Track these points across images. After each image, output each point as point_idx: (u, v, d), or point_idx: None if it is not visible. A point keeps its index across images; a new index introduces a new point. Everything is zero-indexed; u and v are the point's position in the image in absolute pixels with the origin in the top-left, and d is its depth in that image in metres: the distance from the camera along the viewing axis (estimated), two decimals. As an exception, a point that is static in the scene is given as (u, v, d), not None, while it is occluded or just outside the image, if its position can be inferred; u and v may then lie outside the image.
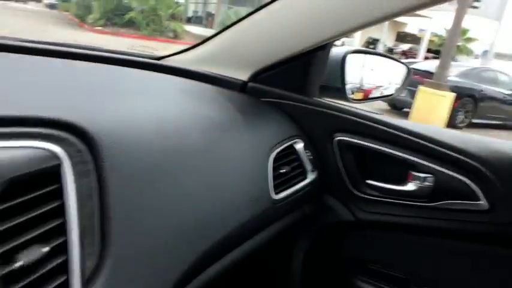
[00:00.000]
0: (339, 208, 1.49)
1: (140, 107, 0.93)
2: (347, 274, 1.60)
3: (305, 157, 1.34)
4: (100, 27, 21.46)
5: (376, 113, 1.43)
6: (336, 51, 1.47)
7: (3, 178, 0.55)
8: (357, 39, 30.29)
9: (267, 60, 1.42)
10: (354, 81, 1.56)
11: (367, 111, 1.42)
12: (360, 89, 1.61)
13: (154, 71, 1.34)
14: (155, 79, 1.24)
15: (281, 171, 1.20)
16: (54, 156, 0.63)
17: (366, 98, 1.65)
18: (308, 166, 1.34)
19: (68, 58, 1.10)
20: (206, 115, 1.08)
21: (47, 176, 0.62)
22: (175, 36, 22.73)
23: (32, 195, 0.59)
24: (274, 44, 1.37)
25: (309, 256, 1.58)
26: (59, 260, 0.60)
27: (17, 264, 0.54)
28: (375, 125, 1.35)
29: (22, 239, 0.56)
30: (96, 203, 0.68)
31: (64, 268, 0.60)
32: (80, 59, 1.14)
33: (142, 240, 0.73)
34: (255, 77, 1.47)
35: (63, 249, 0.61)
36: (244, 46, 1.46)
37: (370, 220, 1.46)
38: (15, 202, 0.57)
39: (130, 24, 22.11)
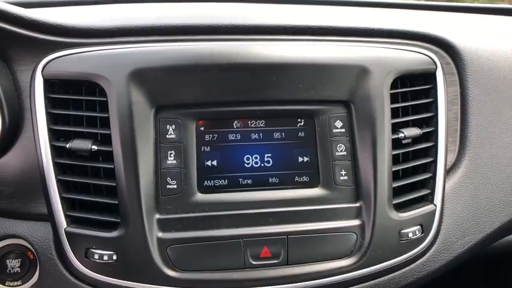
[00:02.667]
0: None
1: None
2: None
3: None
4: None
5: None
6: None
7: (393, 69, 0.69)
8: None
9: None
10: None
11: None
12: None
13: None
14: None
15: None
16: (433, 62, 0.74)
17: None
18: None
19: None
20: None
21: (423, 76, 0.74)
22: None
23: (412, 88, 0.73)
24: None
25: None
26: (429, 144, 0.71)
27: (401, 135, 0.69)
28: None
29: (404, 119, 0.71)
30: (459, 110, 0.76)
31: (431, 152, 0.71)
32: None
33: (492, 155, 0.76)
34: None
35: (431, 136, 0.72)
36: None
37: None
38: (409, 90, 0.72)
39: None
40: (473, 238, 0.73)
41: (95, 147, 0.63)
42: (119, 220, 0.61)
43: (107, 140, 0.63)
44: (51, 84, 0.65)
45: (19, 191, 0.66)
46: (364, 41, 0.74)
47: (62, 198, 0.63)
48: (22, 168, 0.67)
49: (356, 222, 0.65)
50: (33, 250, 0.65)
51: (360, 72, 0.66)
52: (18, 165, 0.67)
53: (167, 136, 0.65)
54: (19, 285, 0.66)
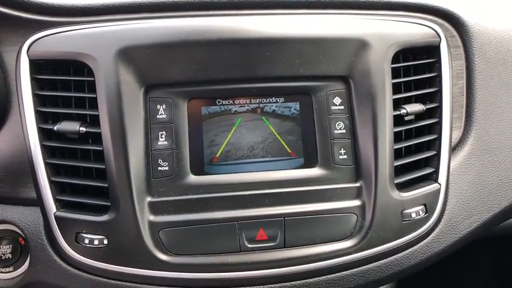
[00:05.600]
0: None
1: None
2: None
3: None
4: None
5: None
6: None
7: (394, 42, 0.66)
8: None
9: None
10: None
11: None
12: None
13: None
14: None
15: None
16: (437, 34, 0.70)
17: None
18: None
19: None
20: None
21: (427, 50, 0.70)
22: None
23: (415, 62, 0.69)
24: None
25: None
26: (433, 120, 0.68)
27: (403, 111, 0.65)
28: None
29: (406, 94, 0.67)
30: (464, 84, 0.72)
31: (436, 129, 0.68)
32: None
33: (500, 131, 0.72)
34: None
35: (435, 113, 0.68)
36: None
37: None
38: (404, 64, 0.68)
39: None
40: (480, 218, 0.70)
41: (83, 129, 0.60)
42: (109, 204, 0.59)
43: (95, 121, 0.61)
44: (37, 65, 0.63)
45: (8, 175, 0.65)
46: (363, 14, 0.70)
47: (51, 182, 0.61)
48: (10, 152, 0.65)
49: (356, 202, 0.63)
50: (23, 236, 0.64)
51: (359, 45, 0.63)
52: (6, 149, 0.65)
53: (158, 116, 0.62)
54: (11, 271, 0.64)
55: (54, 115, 0.63)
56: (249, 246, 0.60)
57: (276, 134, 0.65)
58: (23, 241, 0.64)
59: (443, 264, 1.69)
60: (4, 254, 0.64)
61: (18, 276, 0.64)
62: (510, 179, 0.73)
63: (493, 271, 1.60)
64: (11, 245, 0.64)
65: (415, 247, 0.65)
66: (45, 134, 0.62)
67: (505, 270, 1.55)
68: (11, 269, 0.64)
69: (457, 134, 0.71)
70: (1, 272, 0.64)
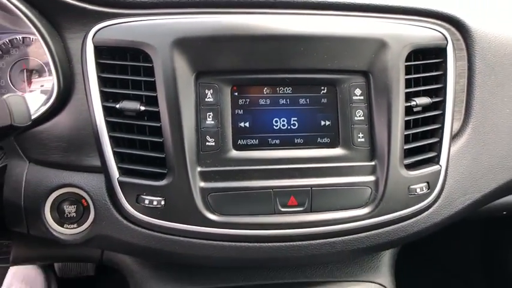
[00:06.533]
0: None
1: None
2: None
3: None
4: None
5: None
6: None
7: (409, 43, 0.77)
8: None
9: None
10: None
11: None
12: None
13: None
14: None
15: None
16: (444, 37, 0.81)
17: None
18: None
19: None
20: None
21: (435, 51, 0.81)
22: None
23: (425, 62, 0.80)
24: None
25: None
26: (437, 112, 0.79)
27: (413, 103, 0.77)
28: None
29: (416, 89, 0.79)
30: (465, 82, 0.84)
31: (439, 120, 0.80)
32: None
33: (494, 124, 0.84)
34: None
35: (440, 106, 0.80)
36: None
37: None
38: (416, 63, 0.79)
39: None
40: (472, 196, 0.83)
41: (142, 108, 0.71)
42: (165, 171, 0.70)
43: (152, 101, 0.71)
44: (99, 51, 0.73)
45: (72, 146, 0.75)
46: (382, 17, 0.81)
47: (114, 153, 0.71)
48: (75, 126, 0.75)
49: (371, 178, 0.74)
50: (87, 197, 0.74)
51: (379, 45, 0.74)
52: (71, 123, 0.75)
53: (206, 99, 0.73)
54: (75, 227, 0.75)
55: (113, 95, 0.73)
56: (282, 210, 0.72)
57: (305, 118, 0.76)
58: (85, 202, 0.75)
59: (433, 248, 1.84)
60: (70, 213, 0.75)
61: (83, 231, 0.75)
62: (499, 165, 0.86)
63: (478, 252, 1.76)
64: (75, 206, 0.75)
65: (418, 217, 0.78)
66: (107, 111, 0.72)
67: (488, 250, 1.71)
68: (75, 225, 0.75)
69: (457, 125, 0.83)
70: (67, 228, 0.75)
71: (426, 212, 0.79)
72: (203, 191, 0.71)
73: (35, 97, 0.85)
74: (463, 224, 0.94)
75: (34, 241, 0.80)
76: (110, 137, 0.71)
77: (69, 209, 0.75)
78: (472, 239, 1.75)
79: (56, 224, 0.75)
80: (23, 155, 0.75)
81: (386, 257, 0.88)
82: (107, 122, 0.71)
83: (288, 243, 0.73)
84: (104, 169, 0.72)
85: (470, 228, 1.72)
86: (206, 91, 0.73)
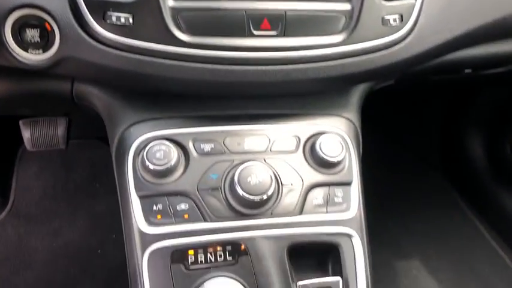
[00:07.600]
0: None
1: None
2: None
3: None
4: None
5: None
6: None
7: None
8: None
9: None
10: None
11: None
12: None
13: None
14: None
15: None
16: None
17: None
18: None
19: None
20: None
21: None
22: None
23: None
24: None
25: None
26: None
27: None
28: None
29: None
30: None
31: None
32: None
33: None
34: None
35: None
36: None
37: None
38: None
39: None
40: (443, 36, 0.84)
41: None
42: None
43: None
44: None
45: None
46: None
47: None
48: None
49: (347, 6, 0.74)
50: (50, 20, 0.70)
51: None
52: None
53: None
54: (41, 53, 0.72)
55: None
56: (255, 33, 0.71)
57: None
58: (49, 27, 0.71)
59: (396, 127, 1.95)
60: (34, 37, 0.71)
61: (50, 56, 0.72)
62: (471, 11, 0.87)
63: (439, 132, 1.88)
64: (38, 29, 0.71)
65: (389, 50, 0.78)
66: None
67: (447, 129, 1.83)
68: (40, 51, 0.72)
69: None
70: (31, 54, 0.72)
71: (397, 46, 0.79)
72: (173, 10, 0.68)
73: None
74: (426, 100, 0.96)
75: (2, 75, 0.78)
76: None
77: (32, 33, 0.71)
78: (434, 119, 1.86)
79: (19, 49, 0.71)
80: None
81: (354, 98, 0.91)
82: None
83: (260, 67, 0.73)
84: None
85: (432, 107, 1.81)
86: None
